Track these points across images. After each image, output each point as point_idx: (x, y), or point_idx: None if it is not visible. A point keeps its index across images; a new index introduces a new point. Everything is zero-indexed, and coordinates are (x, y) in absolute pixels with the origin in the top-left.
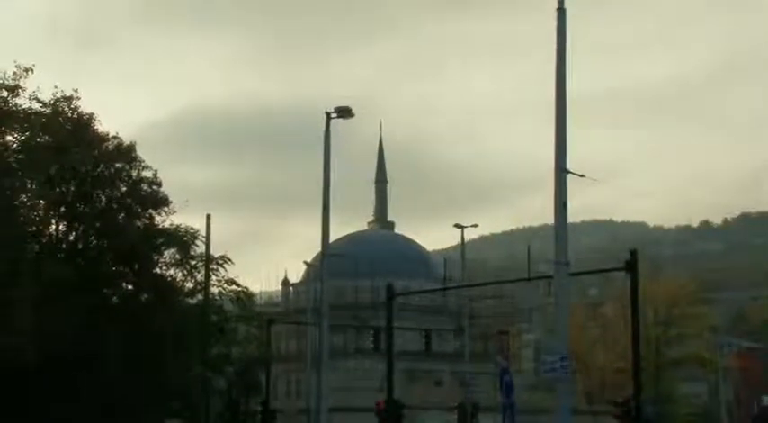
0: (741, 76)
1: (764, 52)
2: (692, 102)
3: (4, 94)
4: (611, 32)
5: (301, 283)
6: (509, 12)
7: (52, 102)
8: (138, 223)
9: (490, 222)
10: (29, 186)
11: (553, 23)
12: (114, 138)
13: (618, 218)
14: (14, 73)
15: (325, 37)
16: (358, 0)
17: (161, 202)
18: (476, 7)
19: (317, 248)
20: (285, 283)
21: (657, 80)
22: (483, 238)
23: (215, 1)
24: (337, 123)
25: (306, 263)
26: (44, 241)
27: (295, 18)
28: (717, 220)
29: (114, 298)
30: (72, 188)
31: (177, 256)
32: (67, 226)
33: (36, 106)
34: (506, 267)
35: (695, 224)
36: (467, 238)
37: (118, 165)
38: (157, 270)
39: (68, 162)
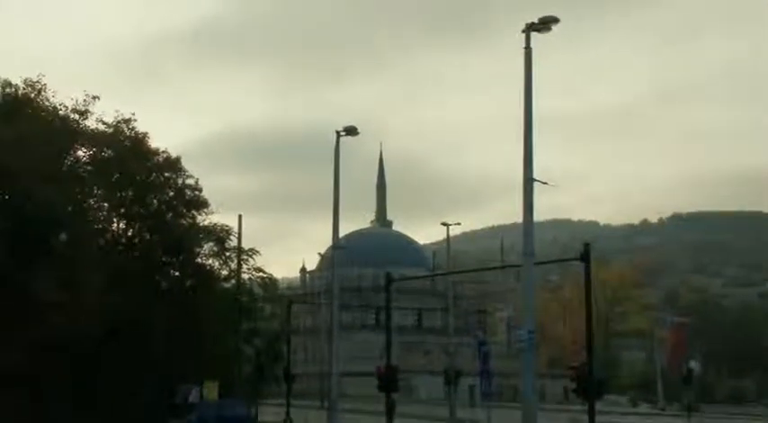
0: (674, 100)
1: (691, 81)
2: (637, 121)
3: (77, 117)
4: (573, 62)
5: (316, 270)
6: (486, 48)
7: (114, 123)
8: (183, 222)
9: (471, 221)
10: (96, 192)
11: (522, 59)
12: (164, 152)
13: (574, 217)
14: (84, 100)
15: (336, 70)
16: (363, 39)
17: (201, 204)
18: (462, 45)
19: (329, 242)
20: (302, 270)
21: (609, 103)
22: (465, 234)
23: (247, 41)
24: (345, 140)
25: (319, 254)
26: (108, 236)
27: (311, 55)
28: (653, 218)
29: (163, 283)
30: (130, 193)
31: (215, 249)
32: (126, 224)
33: (101, 127)
34: (484, 258)
35: (636, 222)
36: (452, 233)
37: (167, 174)
38: (199, 260)
39: (127, 172)
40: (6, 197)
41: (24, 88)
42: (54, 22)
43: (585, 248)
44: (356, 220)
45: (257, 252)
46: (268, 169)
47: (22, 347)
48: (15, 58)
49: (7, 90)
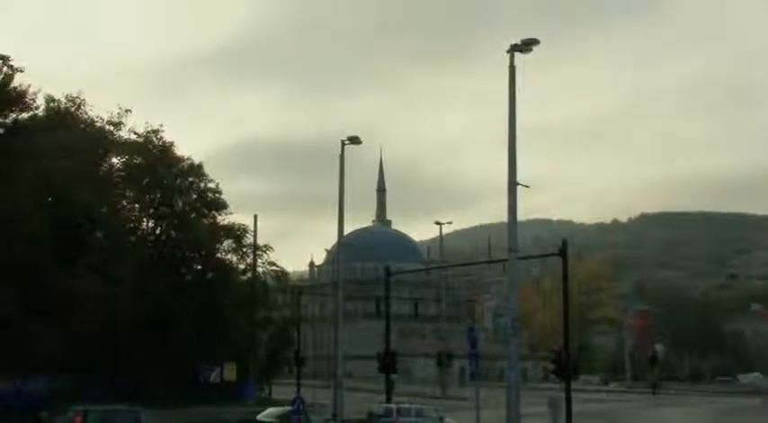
0: (644, 112)
1: (659, 96)
2: (610, 131)
3: (111, 128)
4: (555, 77)
5: (323, 264)
6: (476, 66)
7: (144, 133)
8: (205, 221)
9: (462, 220)
10: (128, 194)
11: (507, 77)
12: (188, 159)
13: (553, 217)
14: (118, 113)
15: (341, 86)
16: (365, 59)
17: (221, 205)
18: (454, 64)
19: (334, 239)
20: (311, 264)
21: (586, 115)
22: (456, 232)
23: (262, 61)
24: (349, 148)
25: (326, 250)
26: (139, 234)
27: (319, 73)
28: (623, 218)
29: (188, 276)
30: (158, 196)
31: (233, 245)
32: (155, 223)
33: (133, 137)
34: (473, 253)
35: (608, 221)
36: (444, 231)
37: (190, 179)
38: (219, 255)
39: (156, 177)
40: (50, 199)
41: (66, 103)
42: (91, 44)
43: (563, 245)
44: (359, 220)
45: (271, 248)
46: (281, 174)
47: (66, 334)
48: (57, 75)
49: (51, 105)
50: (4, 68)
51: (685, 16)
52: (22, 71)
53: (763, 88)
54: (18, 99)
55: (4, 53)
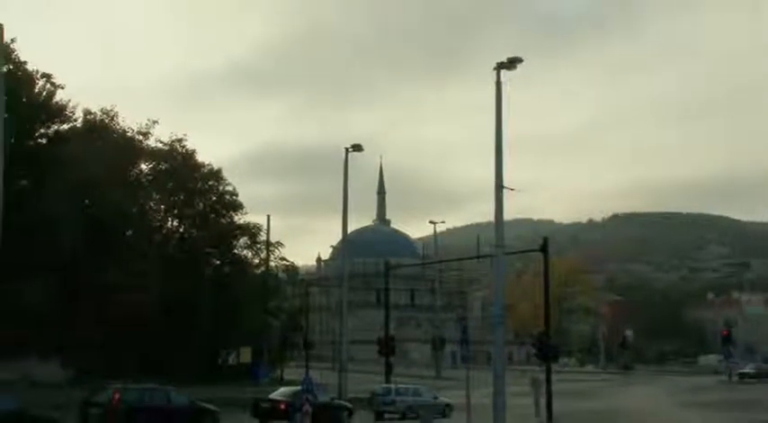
0: (616, 123)
1: (630, 109)
2: (586, 140)
3: (140, 137)
4: (537, 91)
5: (329, 259)
6: (469, 81)
7: (169, 142)
8: (223, 221)
9: (454, 219)
10: (155, 197)
11: (494, 91)
12: (208, 165)
13: (535, 217)
14: (146, 123)
15: (345, 99)
16: (367, 75)
17: (238, 206)
18: (449, 78)
19: (339, 237)
20: (318, 259)
21: (564, 125)
22: (449, 231)
23: (274, 76)
24: (352, 155)
25: (332, 246)
26: (164, 232)
27: (325, 87)
28: (597, 218)
29: (207, 270)
30: (181, 198)
31: (248, 242)
32: (178, 222)
33: (159, 145)
34: (464, 250)
35: (584, 221)
36: (438, 230)
37: (210, 182)
38: (235, 251)
39: (179, 181)
40: (86, 201)
41: (101, 115)
42: (121, 60)
43: (544, 242)
44: (361, 219)
45: (282, 245)
46: (291, 178)
47: (99, 320)
48: (92, 90)
49: (88, 117)
50: (48, 85)
51: (655, 36)
52: (63, 88)
53: (717, 103)
54: (59, 112)
55: (46, 72)
